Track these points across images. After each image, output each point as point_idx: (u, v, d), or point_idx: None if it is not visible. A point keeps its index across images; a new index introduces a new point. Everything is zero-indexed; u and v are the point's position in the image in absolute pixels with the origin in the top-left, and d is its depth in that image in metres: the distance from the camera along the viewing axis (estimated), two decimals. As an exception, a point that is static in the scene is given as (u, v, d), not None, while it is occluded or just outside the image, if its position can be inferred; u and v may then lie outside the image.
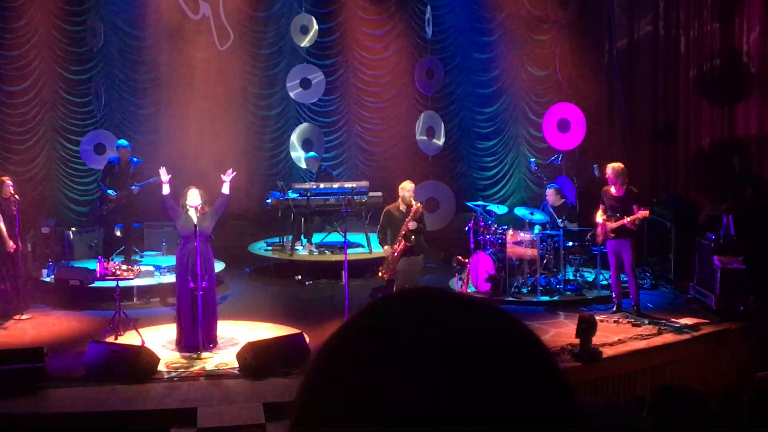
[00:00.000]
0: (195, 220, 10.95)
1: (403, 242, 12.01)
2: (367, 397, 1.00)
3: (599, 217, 12.65)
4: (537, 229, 13.76)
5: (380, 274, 12.48)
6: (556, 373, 1.09)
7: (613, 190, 12.48)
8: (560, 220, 13.74)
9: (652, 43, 17.21)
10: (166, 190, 11.32)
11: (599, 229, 12.75)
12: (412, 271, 12.20)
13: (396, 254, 12.07)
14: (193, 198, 11.04)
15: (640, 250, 13.26)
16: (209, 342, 11.14)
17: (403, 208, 12.21)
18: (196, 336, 10.92)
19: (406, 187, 12.23)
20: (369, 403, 1.00)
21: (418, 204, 12.24)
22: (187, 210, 11.01)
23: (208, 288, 11.02)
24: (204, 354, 10.83)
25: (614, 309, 12.75)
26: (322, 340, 1.12)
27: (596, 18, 18.35)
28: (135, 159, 15.45)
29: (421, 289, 1.14)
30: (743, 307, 12.26)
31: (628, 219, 12.21)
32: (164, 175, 11.34)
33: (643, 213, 12.28)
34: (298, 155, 18.02)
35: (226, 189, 11.37)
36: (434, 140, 18.31)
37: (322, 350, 1.10)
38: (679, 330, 11.82)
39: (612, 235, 12.47)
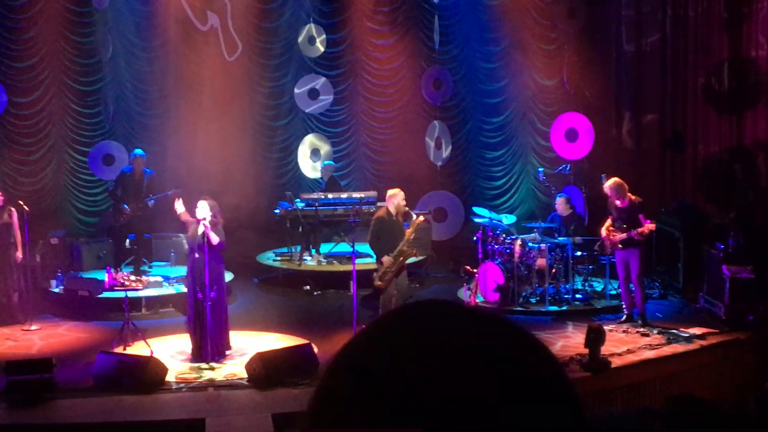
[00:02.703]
0: (198, 234, 10.94)
1: (408, 254, 12.03)
2: (380, 408, 1.01)
3: (604, 229, 12.68)
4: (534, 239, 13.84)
5: (377, 283, 12.26)
6: (565, 384, 1.09)
7: (617, 201, 12.52)
8: (566, 238, 13.73)
9: (659, 52, 17.20)
10: (181, 208, 11.38)
11: (606, 241, 12.78)
12: (401, 280, 12.24)
13: (400, 266, 12.05)
14: (200, 210, 10.99)
15: (648, 259, 13.23)
16: (219, 353, 11.14)
17: (392, 210, 12.19)
18: (205, 347, 10.92)
19: (399, 195, 12.21)
20: (381, 413, 1.00)
21: (421, 218, 12.27)
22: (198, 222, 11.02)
23: (217, 298, 11.01)
24: (213, 364, 10.83)
25: (623, 318, 12.74)
26: (334, 351, 1.13)
27: (603, 27, 18.35)
28: (147, 170, 15.46)
29: (431, 301, 1.14)
30: (752, 316, 12.22)
31: (635, 231, 12.24)
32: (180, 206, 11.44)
33: (650, 227, 12.31)
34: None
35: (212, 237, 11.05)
36: (442, 150, 18.33)
37: (335, 361, 1.11)
38: (688, 340, 11.79)
39: (620, 246, 12.49)
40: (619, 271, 12.73)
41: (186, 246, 11.94)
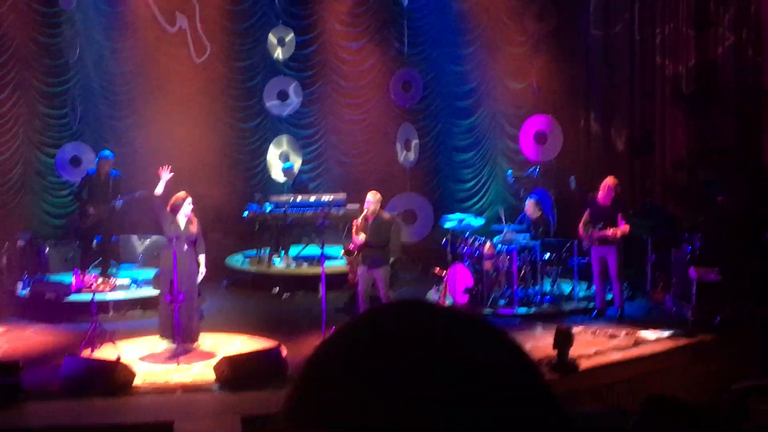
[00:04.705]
0: (182, 227, 11.27)
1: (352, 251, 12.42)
2: (357, 410, 1.00)
3: (581, 225, 12.92)
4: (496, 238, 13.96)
5: (348, 278, 12.83)
6: (541, 384, 1.09)
7: (602, 200, 12.76)
8: (530, 236, 13.82)
9: (627, 55, 17.32)
10: (160, 189, 11.56)
11: (583, 237, 13.00)
12: (376, 281, 12.30)
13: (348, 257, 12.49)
14: (188, 207, 11.40)
15: (624, 257, 13.34)
16: (190, 341, 11.44)
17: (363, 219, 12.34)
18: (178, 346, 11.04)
19: (368, 199, 12.30)
20: (360, 416, 1.00)
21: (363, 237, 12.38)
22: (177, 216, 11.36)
23: (185, 302, 11.09)
24: (181, 366, 10.79)
25: (595, 314, 12.94)
26: (303, 353, 1.12)
27: (572, 30, 18.44)
28: (114, 171, 15.33)
29: (410, 300, 1.14)
30: (719, 318, 12.32)
31: (611, 231, 12.51)
32: (165, 174, 11.61)
33: (624, 229, 12.58)
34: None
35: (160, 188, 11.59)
36: (411, 152, 18.35)
37: (311, 361, 1.10)
38: (656, 341, 11.87)
39: (597, 242, 12.73)
40: (594, 267, 12.98)
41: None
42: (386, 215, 12.58)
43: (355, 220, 12.54)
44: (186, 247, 11.28)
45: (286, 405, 1.08)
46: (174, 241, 11.25)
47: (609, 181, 12.95)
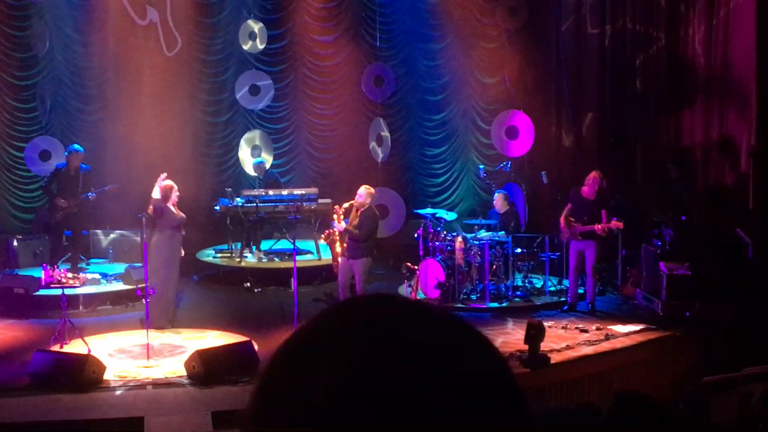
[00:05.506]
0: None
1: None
2: (326, 404, 0.99)
3: (563, 218, 12.97)
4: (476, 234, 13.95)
5: (333, 267, 13.11)
6: (508, 378, 1.09)
7: (587, 194, 12.80)
8: (502, 233, 13.84)
9: (599, 51, 17.38)
10: (157, 193, 12.23)
11: (564, 230, 13.04)
12: (354, 272, 12.37)
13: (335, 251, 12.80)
14: (175, 195, 12.26)
15: (603, 251, 13.40)
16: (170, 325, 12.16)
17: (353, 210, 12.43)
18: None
19: (360, 192, 12.43)
20: (329, 407, 0.99)
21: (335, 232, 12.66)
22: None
23: (156, 296, 11.25)
24: (151, 362, 10.74)
25: (567, 308, 12.98)
26: (274, 348, 1.10)
27: (544, 26, 18.49)
28: (83, 166, 15.21)
29: (380, 294, 1.13)
30: (689, 312, 12.41)
31: (599, 226, 12.53)
32: (161, 179, 12.27)
33: (617, 224, 12.61)
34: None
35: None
36: (383, 147, 18.34)
37: (278, 355, 1.09)
38: (626, 336, 11.93)
39: (579, 237, 12.76)
40: (572, 260, 13.02)
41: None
42: (374, 211, 12.65)
43: (336, 207, 12.59)
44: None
45: (252, 399, 1.07)
46: (178, 229, 12.14)
47: (595, 174, 12.98)
